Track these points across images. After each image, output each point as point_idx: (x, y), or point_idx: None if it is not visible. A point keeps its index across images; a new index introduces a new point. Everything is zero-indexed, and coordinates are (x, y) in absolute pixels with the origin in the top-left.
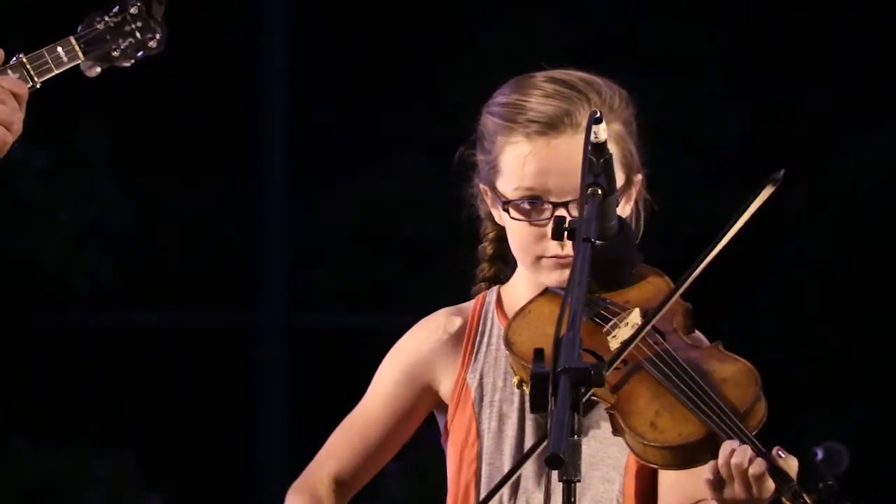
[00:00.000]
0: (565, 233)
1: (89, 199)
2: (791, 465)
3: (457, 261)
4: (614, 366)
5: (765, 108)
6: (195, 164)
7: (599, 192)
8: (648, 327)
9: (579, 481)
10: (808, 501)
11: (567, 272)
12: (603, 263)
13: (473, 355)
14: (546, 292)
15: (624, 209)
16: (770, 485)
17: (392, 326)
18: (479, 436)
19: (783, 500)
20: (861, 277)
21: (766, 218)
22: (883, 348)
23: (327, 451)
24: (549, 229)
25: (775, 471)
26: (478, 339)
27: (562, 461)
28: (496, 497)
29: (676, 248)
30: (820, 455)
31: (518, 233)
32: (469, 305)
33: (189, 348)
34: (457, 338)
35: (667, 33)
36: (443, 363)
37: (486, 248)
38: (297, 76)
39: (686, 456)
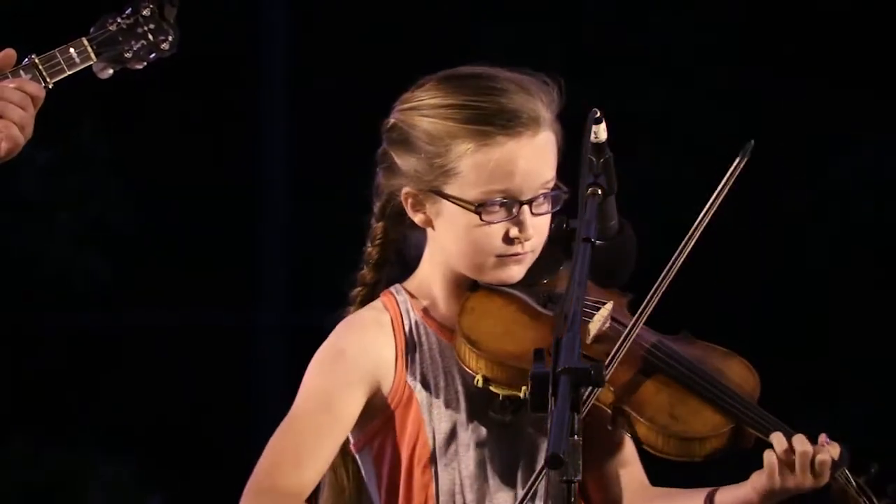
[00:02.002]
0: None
1: (90, 198)
2: (836, 450)
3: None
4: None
5: (765, 107)
6: (196, 163)
7: (599, 192)
8: (643, 319)
9: (579, 481)
10: (861, 484)
11: (519, 268)
12: (603, 263)
13: (408, 356)
14: (479, 288)
15: None
16: (828, 471)
17: None
18: (430, 438)
19: (836, 486)
20: (861, 277)
21: (766, 218)
22: (883, 347)
23: (280, 464)
24: (519, 226)
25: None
26: (408, 338)
27: (562, 461)
28: (459, 498)
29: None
30: None
31: (480, 234)
32: (382, 305)
33: (189, 348)
34: (388, 338)
35: (666, 33)
36: (382, 364)
37: (372, 252)
38: (298, 76)
39: (708, 447)
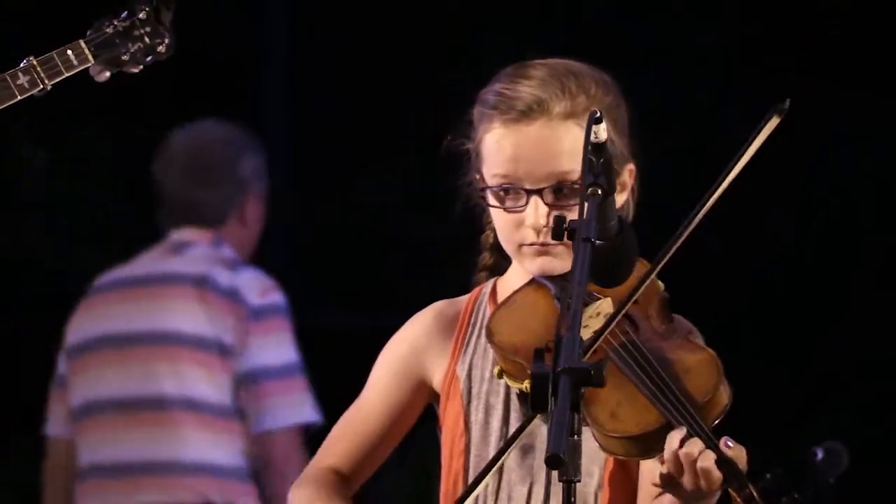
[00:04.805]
0: (565, 233)
1: (90, 197)
2: (739, 455)
3: (456, 260)
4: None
5: (764, 108)
6: None
7: (599, 191)
8: (618, 318)
9: (579, 481)
10: (754, 492)
11: (548, 259)
12: (603, 263)
13: (464, 347)
14: (532, 282)
15: (616, 200)
16: (718, 476)
17: (392, 326)
18: (467, 428)
19: (730, 490)
20: (860, 277)
21: (766, 217)
22: (884, 348)
23: (327, 448)
24: (526, 216)
25: (723, 462)
26: (469, 330)
27: (562, 461)
28: (480, 489)
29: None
30: (820, 455)
31: (498, 220)
32: (465, 298)
33: None
34: (448, 329)
35: (666, 32)
36: (434, 355)
37: (489, 236)
38: (298, 76)
39: (645, 445)
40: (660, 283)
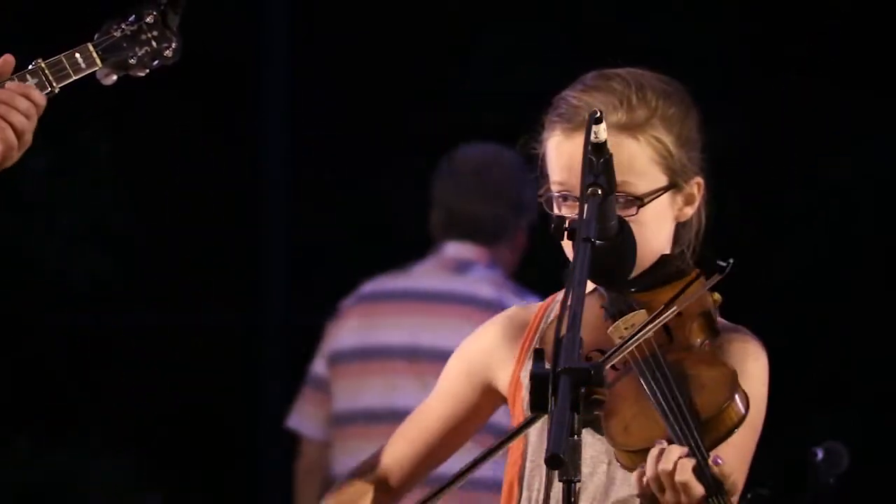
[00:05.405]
0: (565, 233)
1: (90, 198)
2: (726, 473)
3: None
4: (609, 366)
5: (765, 107)
6: (196, 164)
7: (599, 192)
8: (640, 339)
9: (579, 481)
10: None
11: None
12: (603, 263)
13: (529, 353)
14: (594, 291)
15: (683, 212)
16: (699, 490)
17: None
18: (526, 434)
19: None
20: (861, 277)
21: (765, 218)
22: (884, 348)
23: (387, 446)
24: None
25: (709, 477)
26: (536, 336)
27: (562, 461)
28: (534, 495)
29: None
30: (820, 455)
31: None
32: (538, 304)
33: (189, 348)
34: (517, 335)
35: (666, 32)
36: (502, 360)
37: None
38: (298, 76)
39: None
40: (716, 295)
